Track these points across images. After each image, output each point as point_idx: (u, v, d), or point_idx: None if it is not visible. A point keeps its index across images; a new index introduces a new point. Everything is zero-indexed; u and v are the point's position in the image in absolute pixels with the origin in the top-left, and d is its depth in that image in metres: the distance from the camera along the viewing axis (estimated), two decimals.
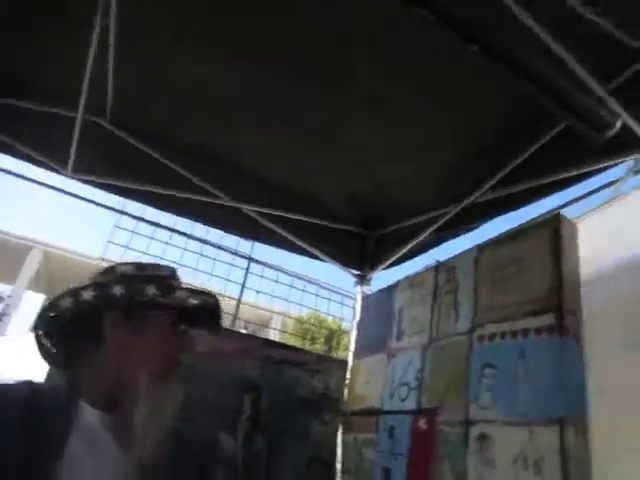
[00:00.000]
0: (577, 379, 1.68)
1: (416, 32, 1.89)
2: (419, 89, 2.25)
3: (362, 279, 3.40)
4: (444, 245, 2.93)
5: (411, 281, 2.75)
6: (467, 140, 2.49)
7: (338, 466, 2.66)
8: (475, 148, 2.49)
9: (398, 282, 2.88)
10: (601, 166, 1.94)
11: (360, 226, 3.46)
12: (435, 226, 2.88)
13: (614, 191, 1.92)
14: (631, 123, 1.75)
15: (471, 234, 2.73)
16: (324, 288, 3.34)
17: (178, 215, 3.10)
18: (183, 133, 2.79)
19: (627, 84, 1.88)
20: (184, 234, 3.22)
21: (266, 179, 3.06)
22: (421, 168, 2.82)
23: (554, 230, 1.93)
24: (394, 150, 2.71)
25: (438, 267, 2.56)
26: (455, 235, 2.84)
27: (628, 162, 1.85)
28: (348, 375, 2.95)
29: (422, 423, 2.19)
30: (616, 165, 1.91)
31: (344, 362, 3.04)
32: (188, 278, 3.49)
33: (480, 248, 2.32)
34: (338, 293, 3.40)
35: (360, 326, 3.10)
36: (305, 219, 3.24)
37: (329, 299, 3.31)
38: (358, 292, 3.37)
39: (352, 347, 3.14)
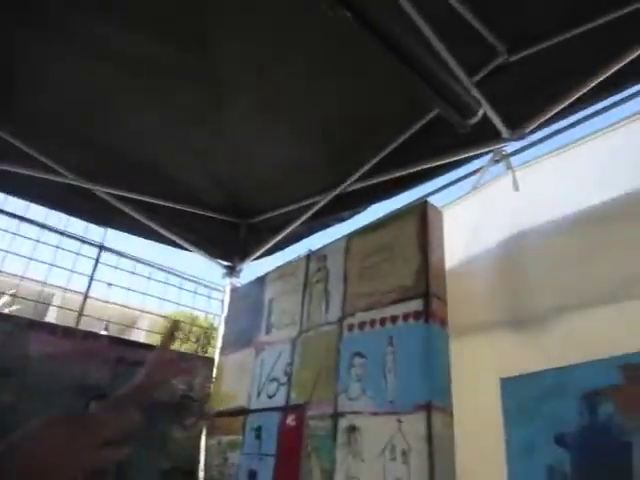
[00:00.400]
0: (442, 365, 1.68)
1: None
2: (292, 76, 2.12)
3: (232, 270, 3.19)
4: (321, 234, 2.85)
5: (282, 271, 2.63)
6: (339, 129, 2.42)
7: (201, 474, 2.42)
8: (347, 138, 2.43)
9: (268, 273, 2.74)
10: (465, 156, 2.00)
11: (231, 214, 3.24)
12: (307, 215, 2.78)
13: (476, 180, 1.99)
14: (490, 114, 1.81)
15: (346, 223, 2.68)
16: (189, 280, 3.06)
17: (9, 194, 2.58)
18: (16, 93, 2.31)
19: (487, 78, 1.95)
20: (16, 216, 2.70)
21: (123, 157, 2.68)
22: (295, 156, 2.70)
23: (421, 217, 1.94)
24: (267, 137, 2.55)
25: (309, 256, 2.47)
26: (327, 225, 2.78)
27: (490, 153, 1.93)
28: (214, 374, 2.72)
29: (291, 420, 2.07)
30: (480, 156, 1.98)
31: (210, 360, 2.82)
32: (19, 268, 2.95)
33: (350, 236, 2.27)
34: (205, 286, 3.14)
35: (228, 320, 2.90)
36: (169, 204, 2.93)
37: (194, 292, 3.04)
38: (227, 284, 3.15)
39: (219, 343, 2.92)
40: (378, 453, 1.65)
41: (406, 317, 1.80)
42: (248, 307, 2.76)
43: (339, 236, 2.44)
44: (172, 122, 2.43)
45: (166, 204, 2.92)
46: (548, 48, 1.83)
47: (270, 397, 2.24)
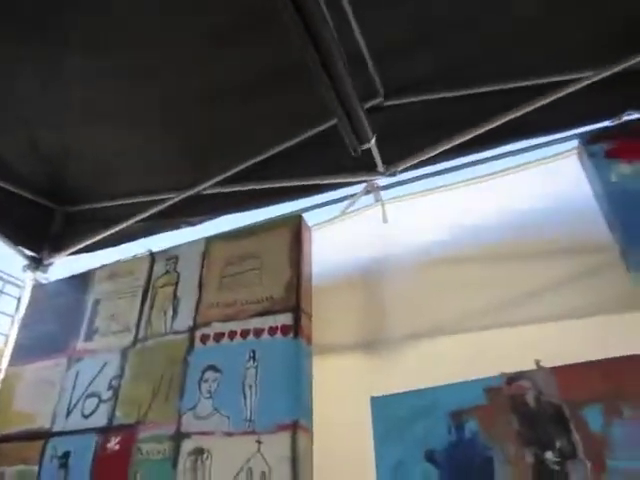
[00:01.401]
0: (307, 383, 1.63)
1: None
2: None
3: (37, 263, 2.60)
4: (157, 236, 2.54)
5: (114, 269, 2.26)
6: (210, 124, 2.23)
7: None
8: (216, 135, 2.27)
9: (94, 270, 2.32)
10: (339, 181, 2.04)
11: (47, 197, 2.68)
12: (150, 212, 2.46)
13: (346, 206, 2.04)
14: (373, 148, 1.90)
15: (195, 228, 2.45)
16: None
17: None
18: None
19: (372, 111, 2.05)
20: None
21: None
22: (147, 145, 2.39)
23: (295, 231, 1.90)
24: (113, 114, 2.19)
25: (155, 255, 2.19)
26: (174, 226, 2.50)
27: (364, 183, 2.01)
28: None
29: (114, 443, 1.73)
30: (352, 184, 2.05)
31: None
32: None
33: (209, 240, 2.10)
34: None
35: (26, 322, 2.34)
36: None
37: None
38: (29, 279, 2.56)
39: (8, 351, 2.32)
40: (230, 478, 1.48)
41: (272, 331, 1.71)
42: (59, 308, 2.28)
43: (186, 239, 2.23)
44: None
45: None
46: (425, 101, 2.03)
47: (86, 416, 1.85)
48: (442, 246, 1.85)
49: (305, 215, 1.98)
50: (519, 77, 1.91)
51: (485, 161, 1.87)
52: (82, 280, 2.29)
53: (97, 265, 2.38)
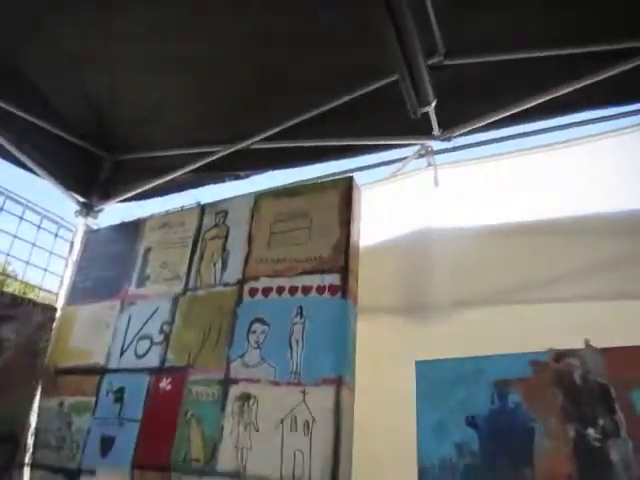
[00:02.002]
0: (352, 342, 1.67)
1: None
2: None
3: (88, 209, 2.69)
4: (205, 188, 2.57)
5: (165, 219, 2.32)
6: (261, 75, 2.19)
7: (30, 440, 2.01)
8: (268, 87, 2.23)
9: (146, 219, 2.39)
10: (395, 142, 2.01)
11: (97, 145, 2.74)
12: (199, 164, 2.49)
13: (397, 168, 2.02)
14: (431, 112, 1.85)
15: (241, 182, 2.47)
16: (33, 211, 2.48)
17: None
18: None
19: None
20: None
21: None
22: (192, 97, 2.39)
23: (346, 192, 1.90)
24: (163, 67, 2.18)
25: (205, 208, 2.23)
26: (220, 179, 2.53)
27: (415, 146, 1.98)
28: (56, 325, 2.28)
29: (166, 383, 1.85)
30: (405, 146, 2.01)
31: (50, 308, 2.34)
32: None
33: (259, 196, 2.11)
34: (53, 221, 2.58)
35: (80, 266, 2.45)
36: (23, 115, 2.34)
37: (38, 226, 2.47)
38: (81, 224, 2.65)
39: (64, 290, 2.45)
40: (275, 424, 1.57)
41: (320, 290, 1.74)
42: (111, 254, 2.38)
43: (235, 193, 2.26)
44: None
45: (20, 114, 2.33)
46: (485, 63, 1.94)
47: (139, 357, 1.96)
48: (493, 216, 1.82)
49: (355, 175, 1.97)
50: (586, 42, 1.80)
51: (545, 131, 1.80)
52: (133, 228, 2.36)
53: (146, 214, 2.45)
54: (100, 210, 2.74)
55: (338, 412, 1.51)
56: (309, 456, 1.48)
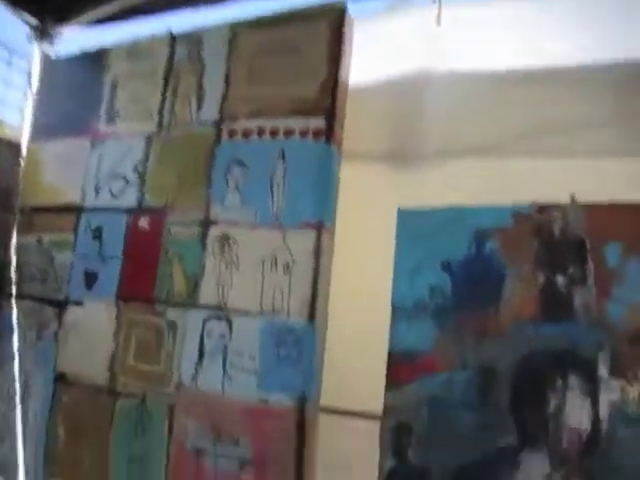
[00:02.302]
0: (334, 187, 1.64)
1: None
2: None
3: (42, 34, 2.38)
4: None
5: (132, 50, 2.08)
6: None
7: (14, 274, 2.04)
8: None
9: (110, 48, 2.13)
10: None
11: None
12: None
13: (394, 1, 1.78)
14: None
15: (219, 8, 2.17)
16: None
17: None
18: None
19: None
20: None
21: None
22: None
23: (337, 24, 1.69)
24: None
25: (176, 38, 1.98)
26: (193, 3, 2.21)
27: None
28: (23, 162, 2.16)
29: (144, 223, 1.83)
30: None
31: (14, 145, 2.19)
32: None
33: (237, 26, 1.87)
34: (4, 46, 2.28)
35: (42, 99, 2.24)
36: None
37: None
38: (36, 51, 2.36)
39: (26, 126, 2.28)
40: (256, 263, 1.61)
41: (304, 133, 1.65)
42: (75, 86, 2.17)
43: (211, 22, 1.99)
44: None
45: None
46: None
47: (115, 196, 1.91)
48: (493, 62, 1.67)
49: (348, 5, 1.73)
50: None
51: None
52: (97, 58, 2.12)
53: (109, 43, 2.17)
54: (56, 35, 2.43)
55: (318, 255, 1.53)
56: (288, 293, 1.54)
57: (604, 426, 1.18)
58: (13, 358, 1.96)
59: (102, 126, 2.02)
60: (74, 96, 2.14)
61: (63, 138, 2.10)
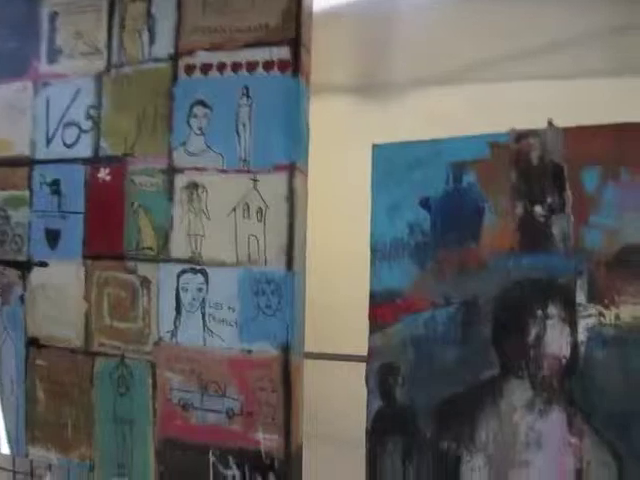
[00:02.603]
0: (304, 124, 1.67)
1: None
2: None
3: None
4: None
5: None
6: None
7: None
8: None
9: None
10: None
11: None
12: None
13: None
14: None
15: None
16: None
17: None
18: None
19: None
20: None
21: None
22: None
23: None
24: None
25: None
26: None
27: None
28: None
29: (104, 174, 1.86)
30: None
31: None
32: None
33: None
34: None
35: None
36: None
37: None
38: None
39: None
40: (227, 211, 1.67)
41: (268, 66, 1.66)
42: (8, 20, 2.10)
43: None
44: None
45: None
46: None
47: (68, 146, 1.92)
48: None
49: None
50: None
51: None
52: None
53: None
54: None
55: (292, 199, 1.60)
56: (264, 241, 1.62)
57: (582, 350, 1.32)
58: None
59: (44, 66, 1.99)
60: (7, 32, 2.08)
61: (1, 82, 2.06)
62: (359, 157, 1.60)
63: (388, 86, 1.81)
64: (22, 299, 1.97)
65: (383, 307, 1.50)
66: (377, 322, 1.50)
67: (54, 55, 1.98)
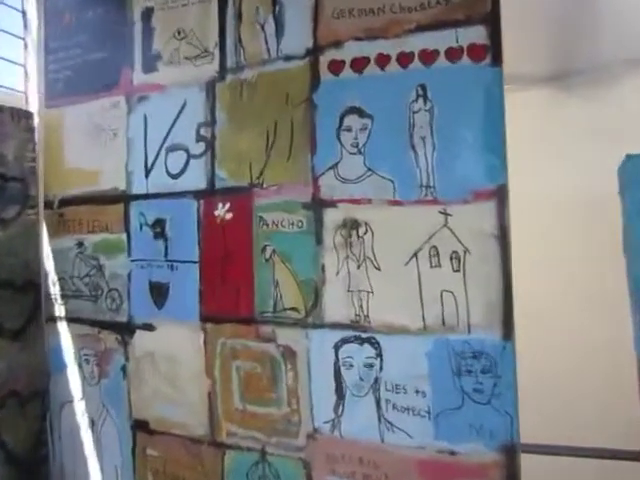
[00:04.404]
0: (504, 131, 1.22)
1: None
2: None
3: None
4: None
5: None
6: None
7: (53, 288, 1.74)
8: None
9: None
10: None
11: None
12: None
13: None
14: None
15: None
16: None
17: None
18: None
19: None
20: None
21: None
22: None
23: None
24: None
25: None
26: None
27: None
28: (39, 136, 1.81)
29: (223, 211, 1.47)
30: None
31: (24, 113, 1.83)
32: None
33: None
34: None
35: (50, 47, 1.85)
36: None
37: None
38: None
39: (34, 86, 1.91)
40: (405, 258, 1.24)
41: (454, 54, 1.23)
42: (92, 24, 1.76)
43: None
44: None
45: None
46: None
47: (174, 176, 1.55)
48: None
49: None
50: None
51: None
52: None
53: None
54: None
55: (503, 238, 1.16)
56: (465, 299, 1.18)
57: None
58: (71, 400, 1.70)
59: (139, 76, 1.63)
60: (93, 38, 1.74)
61: (87, 99, 1.72)
62: (563, 168, 1.16)
63: (597, 70, 1.37)
64: (124, 370, 1.61)
65: None
66: None
67: (151, 62, 1.61)
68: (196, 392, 1.48)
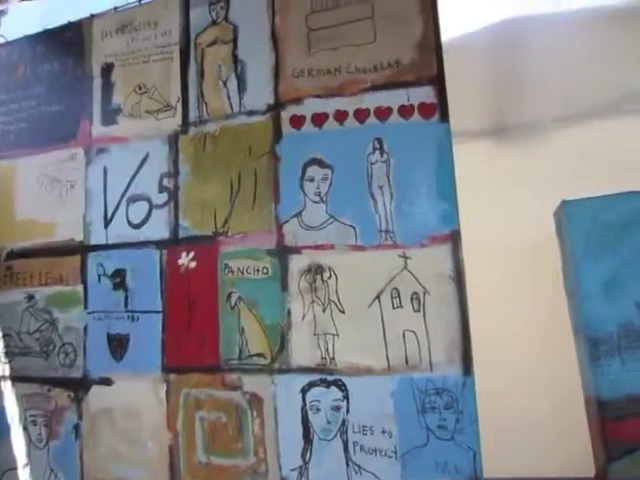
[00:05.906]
0: (453, 178, 1.38)
1: None
2: None
3: None
4: None
5: (124, 19, 1.76)
6: None
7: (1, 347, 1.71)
8: None
9: (91, 18, 1.81)
10: None
11: None
12: None
13: None
14: None
15: None
16: None
17: None
18: None
19: None
20: None
21: None
22: None
23: None
24: None
25: None
26: None
27: None
28: None
29: (187, 260, 1.53)
30: None
31: None
32: None
33: None
34: None
35: (2, 99, 1.90)
36: None
37: None
38: None
39: None
40: (368, 301, 1.34)
41: (406, 111, 1.39)
42: (49, 76, 1.83)
43: None
44: None
45: None
46: None
47: (136, 226, 1.60)
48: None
49: None
50: None
51: None
52: (74, 34, 1.80)
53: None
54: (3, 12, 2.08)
55: (459, 278, 1.29)
56: (426, 338, 1.29)
57: None
58: (15, 467, 1.65)
59: (98, 129, 1.70)
60: (49, 91, 1.82)
61: (42, 150, 1.77)
62: (506, 214, 1.32)
63: (529, 127, 1.57)
64: (77, 430, 1.58)
65: (627, 422, 1.15)
66: (618, 442, 1.16)
67: (111, 115, 1.69)
68: (156, 447, 1.48)
